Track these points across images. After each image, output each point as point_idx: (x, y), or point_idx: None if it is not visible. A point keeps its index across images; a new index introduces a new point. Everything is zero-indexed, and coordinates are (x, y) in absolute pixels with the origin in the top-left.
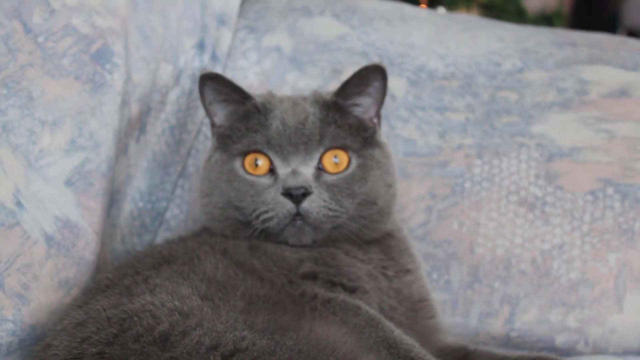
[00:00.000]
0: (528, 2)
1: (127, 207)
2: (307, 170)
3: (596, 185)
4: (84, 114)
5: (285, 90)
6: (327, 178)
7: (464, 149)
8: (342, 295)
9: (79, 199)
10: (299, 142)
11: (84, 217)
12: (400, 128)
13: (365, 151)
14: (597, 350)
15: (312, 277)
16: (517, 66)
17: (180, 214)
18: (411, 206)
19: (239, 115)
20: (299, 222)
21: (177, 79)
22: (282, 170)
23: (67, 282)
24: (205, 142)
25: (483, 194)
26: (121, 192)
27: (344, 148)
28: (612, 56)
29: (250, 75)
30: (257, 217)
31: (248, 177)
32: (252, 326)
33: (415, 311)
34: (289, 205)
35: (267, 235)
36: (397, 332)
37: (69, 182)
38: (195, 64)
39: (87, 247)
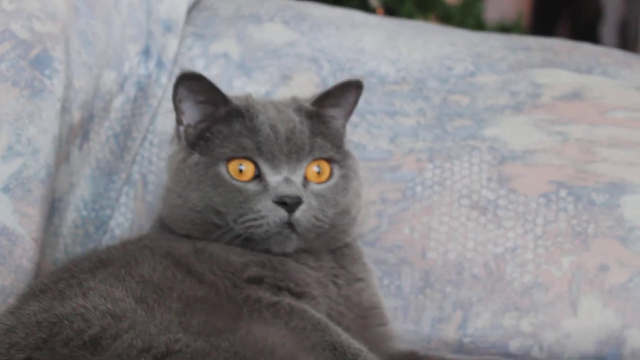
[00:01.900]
0: (487, 14)
1: (70, 216)
2: (297, 179)
3: (549, 188)
4: (22, 119)
5: None
6: (314, 187)
7: (415, 153)
8: (287, 299)
9: (16, 205)
10: (291, 151)
11: (22, 225)
12: (350, 133)
13: (345, 162)
14: (553, 356)
15: (257, 281)
16: (469, 70)
17: (125, 222)
18: (361, 211)
19: (218, 117)
20: (287, 231)
21: (121, 86)
22: (273, 178)
23: (2, 291)
24: (151, 149)
25: (435, 198)
26: (64, 200)
27: (328, 159)
28: (565, 60)
29: None
30: (243, 222)
31: (235, 182)
32: (187, 328)
33: (366, 318)
34: (282, 213)
35: (249, 241)
36: (345, 336)
37: (5, 189)
38: (140, 70)
39: (24, 255)
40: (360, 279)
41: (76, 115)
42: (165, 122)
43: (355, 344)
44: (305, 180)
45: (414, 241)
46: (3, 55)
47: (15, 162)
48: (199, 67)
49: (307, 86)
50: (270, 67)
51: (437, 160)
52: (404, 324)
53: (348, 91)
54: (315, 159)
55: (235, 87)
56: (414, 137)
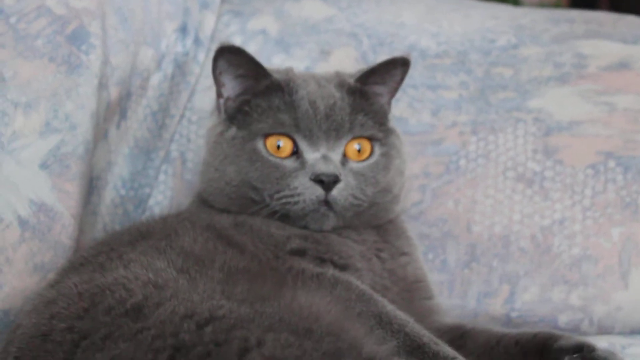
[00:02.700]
0: None
1: (109, 194)
2: (335, 157)
3: (597, 158)
4: (59, 95)
5: None
6: (353, 166)
7: (458, 126)
8: (331, 271)
9: (54, 182)
10: (330, 128)
11: (61, 201)
12: (392, 107)
13: (387, 140)
14: (603, 330)
15: (300, 253)
16: (512, 42)
17: (164, 200)
18: (404, 185)
19: (258, 91)
20: (323, 209)
21: (159, 63)
22: (311, 155)
23: (42, 267)
24: (189, 126)
25: (479, 171)
26: (102, 179)
27: (369, 138)
28: (610, 31)
29: None
30: (279, 199)
31: (272, 158)
32: (230, 296)
33: (411, 292)
34: (318, 191)
35: (286, 217)
36: (391, 307)
37: (44, 165)
38: (177, 48)
39: (63, 231)
40: (404, 253)
41: (113, 92)
42: (203, 99)
43: (402, 315)
44: (345, 158)
45: (458, 215)
46: (39, 31)
47: (53, 138)
48: (236, 43)
49: (346, 61)
50: (308, 43)
51: (481, 132)
52: (449, 299)
53: (394, 68)
54: (356, 137)
55: (274, 63)
56: (457, 110)
